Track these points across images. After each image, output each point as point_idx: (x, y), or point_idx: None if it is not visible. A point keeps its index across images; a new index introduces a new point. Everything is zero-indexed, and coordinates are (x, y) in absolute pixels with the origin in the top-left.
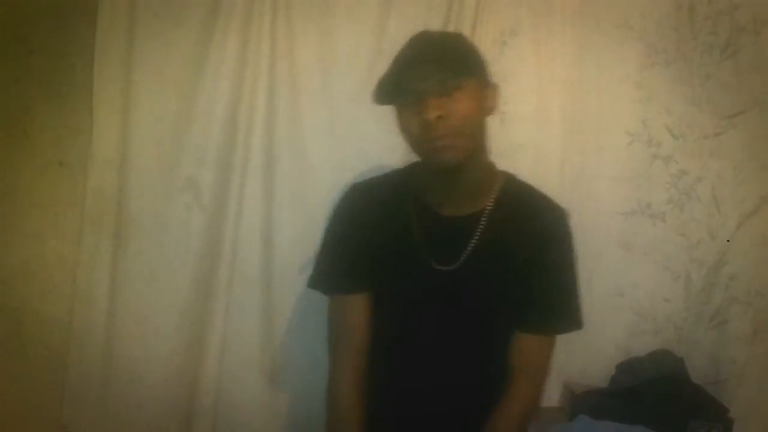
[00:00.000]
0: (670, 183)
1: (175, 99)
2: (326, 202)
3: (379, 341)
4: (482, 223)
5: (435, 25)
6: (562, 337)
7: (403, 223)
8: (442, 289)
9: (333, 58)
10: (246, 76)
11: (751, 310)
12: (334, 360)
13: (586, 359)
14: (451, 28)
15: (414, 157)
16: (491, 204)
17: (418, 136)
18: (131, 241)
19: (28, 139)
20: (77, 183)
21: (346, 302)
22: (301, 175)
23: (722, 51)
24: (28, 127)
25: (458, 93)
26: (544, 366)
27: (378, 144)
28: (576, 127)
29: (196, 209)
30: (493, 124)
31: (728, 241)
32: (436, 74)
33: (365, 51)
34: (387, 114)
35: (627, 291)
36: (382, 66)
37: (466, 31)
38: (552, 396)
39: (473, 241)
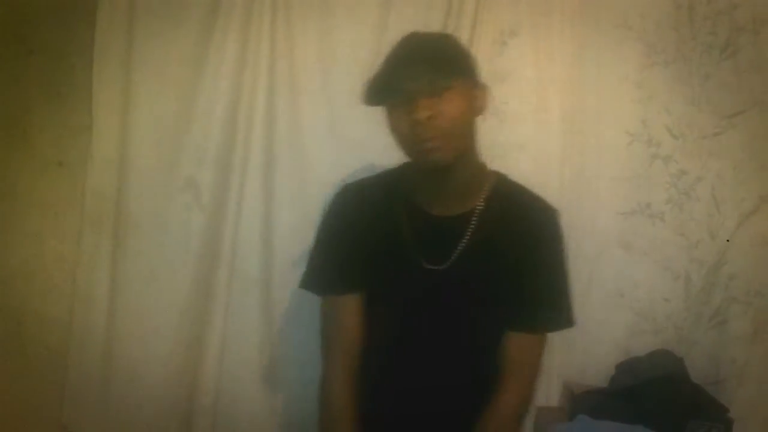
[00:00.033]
0: (670, 183)
1: (174, 99)
2: (326, 202)
3: (371, 341)
4: (473, 222)
5: (435, 24)
6: (562, 338)
7: (394, 223)
8: (433, 288)
9: (333, 58)
10: (246, 76)
11: (751, 310)
12: (327, 360)
13: (586, 359)
14: (450, 28)
15: (407, 157)
16: (482, 204)
17: (408, 137)
18: (131, 241)
19: (28, 139)
20: (77, 183)
21: (338, 302)
22: (300, 175)
23: (722, 51)
24: (28, 127)
25: (448, 93)
26: (535, 365)
27: (378, 144)
28: (576, 127)
29: (196, 209)
30: (492, 123)
31: (728, 240)
32: (426, 74)
33: (365, 51)
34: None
35: (627, 291)
36: None
37: (466, 31)
38: (552, 396)
39: (464, 240)
